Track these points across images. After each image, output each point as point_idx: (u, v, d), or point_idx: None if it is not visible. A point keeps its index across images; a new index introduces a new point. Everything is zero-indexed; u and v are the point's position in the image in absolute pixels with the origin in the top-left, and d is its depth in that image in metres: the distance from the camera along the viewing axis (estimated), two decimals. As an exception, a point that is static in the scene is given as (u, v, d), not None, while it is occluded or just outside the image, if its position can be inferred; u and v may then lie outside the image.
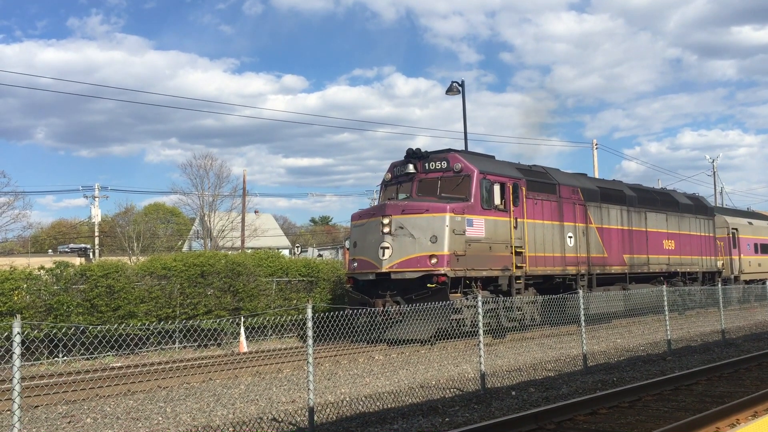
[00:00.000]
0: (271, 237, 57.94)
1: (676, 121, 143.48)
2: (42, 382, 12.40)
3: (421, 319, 15.07)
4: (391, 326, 15.93)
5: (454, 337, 16.12)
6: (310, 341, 8.60)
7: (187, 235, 59.48)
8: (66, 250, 44.63)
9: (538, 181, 20.40)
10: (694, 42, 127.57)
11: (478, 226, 17.68)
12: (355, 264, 17.81)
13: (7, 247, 49.91)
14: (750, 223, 35.33)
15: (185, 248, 52.63)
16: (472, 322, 16.42)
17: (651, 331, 19.38)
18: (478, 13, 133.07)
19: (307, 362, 8.49)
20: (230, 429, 8.47)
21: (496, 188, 18.39)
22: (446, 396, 10.51)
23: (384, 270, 16.95)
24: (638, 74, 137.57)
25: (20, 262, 25.62)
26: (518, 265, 18.66)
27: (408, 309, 13.45)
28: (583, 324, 13.23)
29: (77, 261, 25.58)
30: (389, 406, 9.76)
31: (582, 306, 13.36)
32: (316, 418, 8.45)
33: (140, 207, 63.44)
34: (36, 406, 10.33)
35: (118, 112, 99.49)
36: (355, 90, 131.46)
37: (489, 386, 10.87)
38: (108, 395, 11.26)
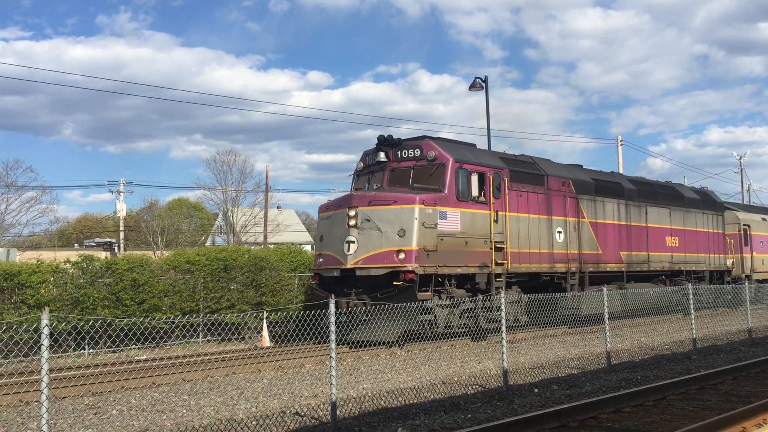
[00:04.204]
0: (294, 233, 58.15)
1: (702, 117, 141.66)
2: (69, 374, 12.58)
3: (387, 320, 13.66)
4: (355, 327, 14.59)
5: (425, 340, 14.89)
6: (332, 336, 8.63)
7: (210, 230, 59.94)
8: (92, 244, 45.27)
9: (524, 172, 19.02)
10: (721, 38, 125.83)
11: (453, 219, 16.42)
12: (321, 259, 16.76)
13: (34, 240, 50.68)
14: (764, 219, 33.43)
15: (208, 243, 53.05)
16: (446, 323, 15.68)
17: (676, 330, 19.16)
18: (503, 10, 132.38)
19: (330, 357, 8.53)
20: (253, 422, 8.53)
21: (474, 178, 17.05)
22: (468, 392, 10.49)
23: (349, 266, 15.81)
24: (664, 71, 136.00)
25: (47, 255, 26.04)
26: (499, 261, 17.38)
27: (371, 309, 12.24)
28: (607, 322, 13.11)
29: (103, 255, 25.91)
30: (411, 401, 9.77)
31: (606, 304, 13.17)
32: (338, 412, 8.48)
33: (164, 202, 64.10)
34: (63, 398, 10.49)
35: (144, 108, 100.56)
36: (379, 86, 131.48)
37: (511, 383, 10.83)
38: (133, 387, 11.40)
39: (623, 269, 22.36)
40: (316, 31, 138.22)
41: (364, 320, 14.36)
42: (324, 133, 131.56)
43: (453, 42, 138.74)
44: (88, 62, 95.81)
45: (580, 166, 22.85)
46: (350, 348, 15.10)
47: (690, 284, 17.13)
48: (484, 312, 16.48)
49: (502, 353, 10.70)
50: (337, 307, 14.57)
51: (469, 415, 8.87)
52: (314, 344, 15.91)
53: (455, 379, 11.59)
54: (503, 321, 10.95)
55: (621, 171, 38.74)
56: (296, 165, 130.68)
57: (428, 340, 15.03)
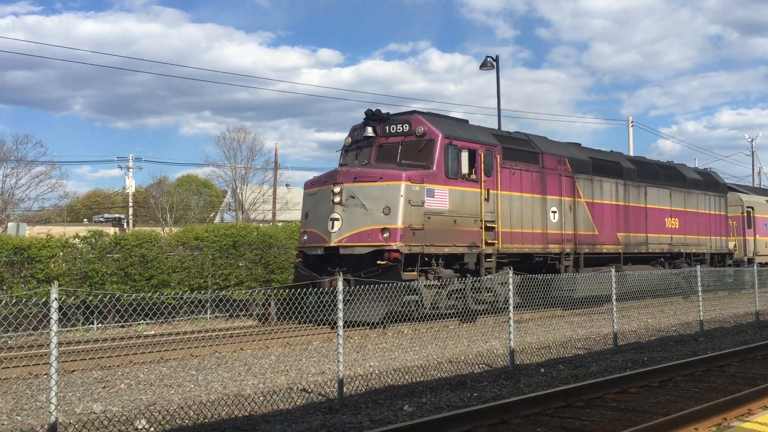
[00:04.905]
0: (302, 210, 58.12)
1: (714, 99, 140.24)
2: (78, 347, 12.69)
3: (370, 301, 13.15)
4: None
5: (411, 321, 14.70)
6: (340, 314, 8.66)
7: (219, 207, 60.08)
8: (101, 219, 45.45)
9: (518, 149, 18.50)
10: (735, 19, 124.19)
11: (441, 197, 15.97)
12: (305, 237, 16.45)
13: (44, 215, 50.87)
14: None
15: (217, 220, 53.17)
16: (432, 303, 15.43)
17: (683, 312, 19.13)
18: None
19: (337, 335, 8.56)
20: (261, 398, 8.59)
21: (464, 155, 16.45)
22: (475, 371, 10.53)
23: (333, 244, 15.48)
24: (677, 51, 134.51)
25: (56, 230, 26.13)
26: (489, 241, 16.94)
27: (354, 289, 11.80)
28: (615, 303, 13.08)
29: (111, 231, 26.03)
30: (418, 380, 9.81)
31: (614, 285, 13.13)
32: (345, 389, 8.53)
33: (173, 178, 64.15)
34: (72, 371, 10.58)
35: (153, 84, 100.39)
36: (390, 65, 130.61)
37: (518, 363, 10.86)
38: (142, 362, 11.49)
39: (620, 251, 21.81)
40: (326, 7, 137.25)
41: (348, 300, 13.76)
42: (333, 111, 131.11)
43: (464, 20, 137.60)
44: (98, 37, 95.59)
45: (579, 144, 22.41)
46: (332, 328, 14.67)
47: (699, 266, 16.96)
48: (473, 293, 16.22)
49: (509, 333, 10.72)
50: (318, 286, 14.49)
51: (475, 394, 8.91)
52: (301, 324, 15.60)
53: (462, 358, 11.62)
54: (510, 300, 10.94)
55: (631, 152, 38.46)
56: (305, 143, 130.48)
57: (414, 321, 14.74)
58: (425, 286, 15.30)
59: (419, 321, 14.93)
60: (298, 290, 12.50)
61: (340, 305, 8.67)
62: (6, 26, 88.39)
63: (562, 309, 17.41)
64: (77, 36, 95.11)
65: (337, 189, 15.59)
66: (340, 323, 8.61)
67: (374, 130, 16.77)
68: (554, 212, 19.36)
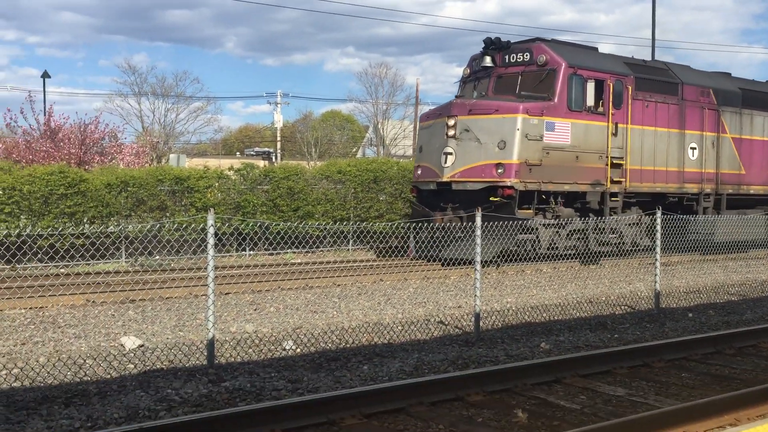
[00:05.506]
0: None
1: None
2: (232, 272, 13.60)
3: (482, 238, 13.13)
4: (449, 244, 13.77)
5: (526, 260, 14.13)
6: (478, 248, 8.65)
7: (361, 142, 61.27)
8: (252, 153, 47.82)
9: (653, 79, 17.12)
10: None
11: (562, 131, 15.14)
12: (419, 171, 16.10)
13: (201, 148, 54.23)
14: None
15: (359, 155, 54.35)
16: (550, 243, 14.76)
17: None
18: None
19: (475, 270, 8.59)
20: (399, 327, 8.86)
21: (590, 86, 15.53)
22: (616, 313, 10.26)
23: (445, 179, 15.09)
24: None
25: (212, 163, 27.81)
26: (615, 179, 16.02)
27: (466, 226, 11.24)
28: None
29: (261, 164, 27.34)
30: (555, 318, 9.71)
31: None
32: (481, 324, 8.60)
33: (318, 114, 65.96)
34: (227, 293, 11.39)
35: (300, 21, 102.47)
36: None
37: (663, 306, 10.44)
38: (289, 288, 12.15)
39: None
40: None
41: (459, 237, 13.61)
42: (476, 46, 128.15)
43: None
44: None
45: (728, 74, 20.49)
46: (442, 266, 14.47)
47: None
48: (595, 234, 15.52)
49: (655, 275, 10.28)
50: (430, 221, 14.46)
51: (615, 335, 8.70)
52: (415, 260, 15.43)
53: (603, 298, 11.34)
54: (658, 241, 10.42)
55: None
56: (447, 78, 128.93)
57: (529, 261, 14.25)
58: (542, 224, 14.81)
59: (536, 261, 14.54)
60: (410, 226, 12.32)
61: (478, 240, 8.67)
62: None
63: (699, 254, 16.36)
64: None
65: (451, 122, 15.13)
66: (478, 258, 8.62)
67: (493, 60, 16.05)
68: (693, 148, 18.08)
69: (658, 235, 10.48)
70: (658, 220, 10.56)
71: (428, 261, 15.06)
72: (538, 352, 7.74)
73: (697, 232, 15.15)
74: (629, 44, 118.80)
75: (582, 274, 14.25)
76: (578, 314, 9.97)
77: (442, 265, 14.43)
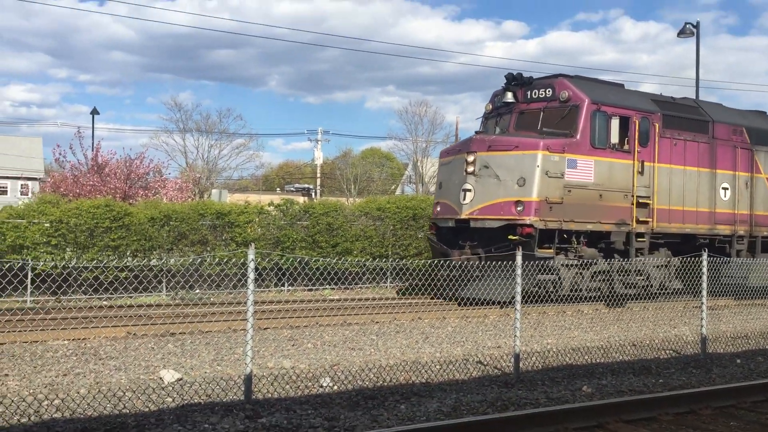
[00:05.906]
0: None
1: None
2: (270, 307, 13.66)
3: (500, 278, 12.03)
4: (467, 283, 13.56)
5: (547, 302, 13.34)
6: (518, 288, 8.54)
7: (400, 180, 61.54)
8: (292, 189, 48.40)
9: (681, 117, 16.66)
10: None
11: (585, 169, 14.81)
12: (438, 208, 15.84)
13: (242, 184, 55.08)
14: None
15: (398, 192, 54.52)
16: (572, 285, 14.31)
17: None
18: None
19: (515, 310, 8.47)
20: (437, 367, 8.75)
21: (614, 122, 15.15)
22: (660, 357, 9.99)
23: (464, 216, 14.78)
24: None
25: (253, 198, 28.20)
26: (641, 219, 15.56)
27: (484, 265, 10.94)
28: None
29: (301, 200, 27.60)
30: (597, 361, 9.49)
31: None
32: (521, 365, 8.45)
33: (358, 151, 66.58)
34: (265, 328, 11.42)
35: (341, 60, 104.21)
36: (578, 35, 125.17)
37: (710, 351, 10.13)
38: (326, 324, 12.14)
39: None
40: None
41: (477, 276, 13.32)
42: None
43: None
44: (294, 15, 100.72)
45: (763, 112, 19.97)
46: (459, 306, 14.27)
47: None
48: (620, 275, 15.07)
49: (701, 318, 10.00)
50: (448, 259, 14.23)
51: (660, 380, 8.45)
52: (433, 299, 14.98)
53: (646, 342, 11.06)
54: (704, 284, 10.15)
55: None
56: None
57: (551, 302, 13.66)
58: (564, 265, 14.42)
59: (557, 303, 13.94)
60: (431, 263, 12.11)
61: (519, 279, 8.56)
62: (213, 8, 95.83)
63: (733, 299, 15.80)
64: (275, 15, 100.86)
65: (470, 158, 14.85)
66: (518, 297, 8.50)
67: (515, 96, 15.81)
68: (725, 189, 17.52)
69: (704, 278, 10.22)
70: (704, 263, 10.30)
71: (444, 301, 14.77)
72: (579, 396, 7.56)
73: (729, 276, 14.67)
74: (672, 84, 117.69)
75: (624, 316, 13.94)
76: (621, 357, 9.73)
77: (459, 304, 14.17)
